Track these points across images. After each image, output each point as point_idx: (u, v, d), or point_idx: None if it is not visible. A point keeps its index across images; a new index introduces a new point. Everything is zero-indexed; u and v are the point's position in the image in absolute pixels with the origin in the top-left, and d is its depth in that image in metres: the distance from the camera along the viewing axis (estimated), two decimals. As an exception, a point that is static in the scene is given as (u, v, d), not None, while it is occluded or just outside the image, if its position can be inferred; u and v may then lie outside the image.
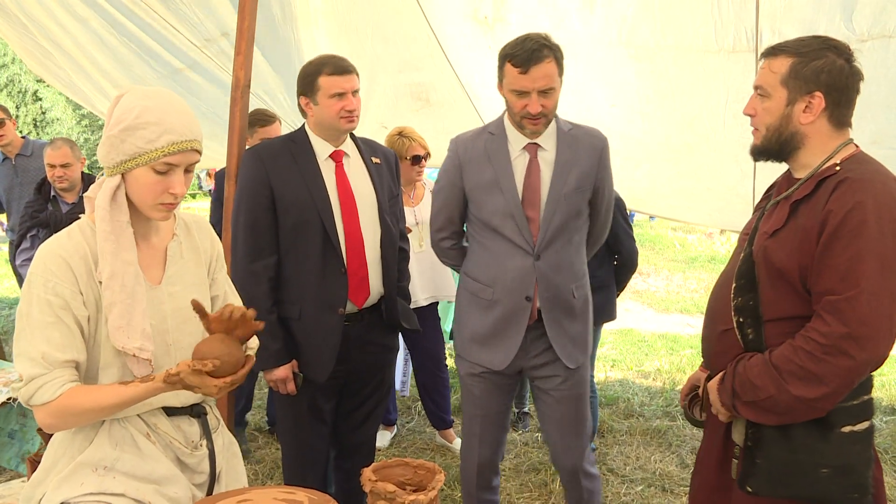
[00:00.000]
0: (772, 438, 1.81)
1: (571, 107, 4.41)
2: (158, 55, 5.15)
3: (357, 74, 2.62)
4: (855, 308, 1.67)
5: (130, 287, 1.69)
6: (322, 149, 2.66)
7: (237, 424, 4.05)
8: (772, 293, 1.85)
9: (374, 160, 2.78)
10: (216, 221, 3.57)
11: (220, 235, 2.48)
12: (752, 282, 1.88)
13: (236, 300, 2.02)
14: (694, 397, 2.23)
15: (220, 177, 3.82)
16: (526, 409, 4.78)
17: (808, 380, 1.71)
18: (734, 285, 1.92)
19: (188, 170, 1.74)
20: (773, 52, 1.87)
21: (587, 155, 2.57)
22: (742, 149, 3.86)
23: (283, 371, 2.63)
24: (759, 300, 1.86)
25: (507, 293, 2.56)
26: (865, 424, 1.79)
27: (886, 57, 3.16)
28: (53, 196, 4.25)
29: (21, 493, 1.80)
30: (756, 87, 1.90)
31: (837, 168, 1.78)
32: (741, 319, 1.89)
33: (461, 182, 2.63)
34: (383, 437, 4.35)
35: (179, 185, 1.72)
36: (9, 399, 2.56)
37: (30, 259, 3.21)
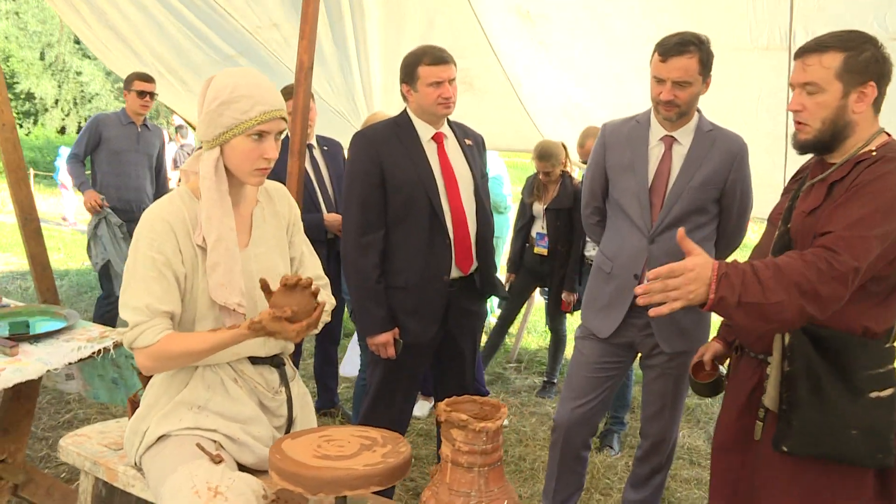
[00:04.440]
0: (806, 402, 1.94)
1: (608, 100, 4.61)
2: (211, 41, 5.40)
3: (454, 64, 2.84)
4: (868, 248, 1.82)
5: (232, 250, 1.94)
6: (424, 131, 2.90)
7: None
8: None
9: (467, 142, 3.02)
10: None
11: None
12: None
13: (313, 260, 2.25)
14: (697, 364, 2.41)
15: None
16: (553, 380, 5.05)
17: (809, 295, 1.82)
18: None
19: (276, 137, 1.98)
20: (817, 48, 1.97)
21: (720, 156, 2.69)
22: (774, 140, 4.05)
23: (386, 336, 2.86)
24: None
25: (621, 268, 2.79)
26: (890, 391, 1.93)
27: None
28: None
29: (127, 426, 2.07)
30: (805, 84, 1.99)
31: (873, 153, 1.93)
32: None
33: (604, 162, 2.87)
34: (422, 408, 4.57)
35: (272, 150, 1.95)
36: (92, 354, 2.82)
37: None
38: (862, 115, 1.97)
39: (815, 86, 1.97)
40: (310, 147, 4.09)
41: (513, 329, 5.59)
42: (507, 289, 4.97)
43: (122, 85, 5.60)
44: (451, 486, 1.53)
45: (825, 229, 1.89)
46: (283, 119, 1.96)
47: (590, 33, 4.09)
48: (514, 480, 3.77)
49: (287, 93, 3.85)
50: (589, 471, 3.85)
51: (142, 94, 5.18)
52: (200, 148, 2.00)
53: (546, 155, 4.61)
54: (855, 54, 1.92)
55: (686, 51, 2.54)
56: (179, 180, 2.14)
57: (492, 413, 1.57)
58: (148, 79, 5.27)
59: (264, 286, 1.85)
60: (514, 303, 5.10)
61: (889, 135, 2.01)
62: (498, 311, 6.83)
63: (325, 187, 4.09)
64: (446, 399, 1.56)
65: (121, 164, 5.20)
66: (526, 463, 3.98)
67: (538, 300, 6.02)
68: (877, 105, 1.99)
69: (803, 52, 2.01)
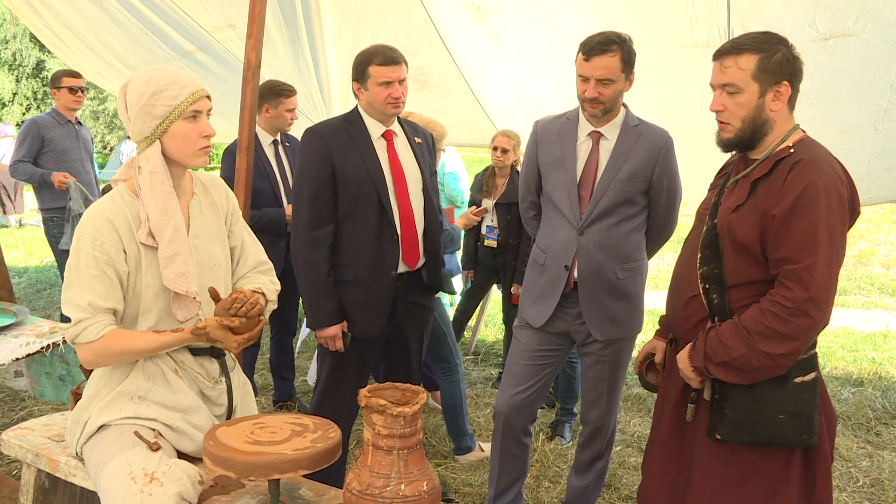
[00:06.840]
0: (737, 391, 2.06)
1: (562, 93, 4.70)
2: (170, 37, 5.40)
3: (405, 64, 2.89)
4: (813, 275, 1.92)
5: (186, 240, 2.01)
6: (375, 129, 2.95)
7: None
8: (735, 262, 2.09)
9: (417, 140, 3.08)
10: None
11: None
12: (717, 252, 2.12)
13: (256, 246, 2.31)
14: (649, 364, 2.50)
15: (228, 153, 4.04)
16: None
17: (774, 338, 1.96)
18: (699, 255, 2.16)
19: (206, 116, 2.06)
20: (733, 50, 2.07)
21: (645, 150, 2.78)
22: (720, 134, 4.16)
23: (334, 329, 2.91)
24: (723, 268, 2.11)
25: (553, 259, 2.87)
26: (812, 375, 2.05)
27: (848, 54, 3.41)
28: None
29: (69, 417, 2.11)
30: (724, 85, 2.08)
31: (791, 150, 2.03)
32: (707, 286, 2.13)
33: (536, 158, 2.95)
34: None
35: (208, 128, 2.03)
36: (42, 349, 2.85)
37: None
38: (778, 112, 2.07)
39: (734, 86, 2.06)
40: (275, 143, 4.15)
41: (471, 322, 5.66)
42: (467, 286, 5.09)
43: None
44: (372, 468, 1.60)
45: (777, 255, 1.98)
46: (209, 98, 2.04)
47: (540, 27, 4.17)
48: (466, 469, 3.85)
49: (283, 91, 4.02)
50: (539, 459, 3.94)
51: (73, 89, 5.28)
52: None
53: (509, 132, 4.75)
54: (769, 55, 2.02)
55: (608, 49, 2.63)
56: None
57: (411, 398, 1.65)
58: (77, 75, 5.37)
59: (213, 295, 1.94)
60: (472, 298, 5.20)
61: (804, 131, 2.11)
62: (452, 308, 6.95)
63: (287, 182, 4.14)
64: (369, 386, 1.63)
65: (67, 164, 5.27)
66: (478, 452, 4.04)
67: (496, 293, 6.11)
68: (791, 102, 2.08)
69: (720, 55, 2.10)
